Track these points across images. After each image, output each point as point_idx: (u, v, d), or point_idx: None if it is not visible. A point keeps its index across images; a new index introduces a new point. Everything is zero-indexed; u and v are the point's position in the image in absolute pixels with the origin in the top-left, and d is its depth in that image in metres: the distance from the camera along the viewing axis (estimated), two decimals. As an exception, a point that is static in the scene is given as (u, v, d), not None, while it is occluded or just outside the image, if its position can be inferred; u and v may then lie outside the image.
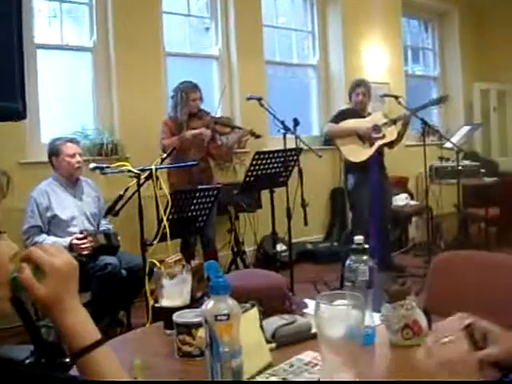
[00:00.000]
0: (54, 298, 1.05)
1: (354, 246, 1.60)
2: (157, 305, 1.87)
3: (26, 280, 1.03)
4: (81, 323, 1.07)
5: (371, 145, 5.41)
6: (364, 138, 5.41)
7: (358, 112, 5.59)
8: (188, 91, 4.87)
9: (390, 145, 5.58)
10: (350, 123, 5.48)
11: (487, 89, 9.14)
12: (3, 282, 1.01)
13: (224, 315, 1.20)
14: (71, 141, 4.19)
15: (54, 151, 4.13)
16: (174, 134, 4.83)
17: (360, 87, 5.59)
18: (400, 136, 5.54)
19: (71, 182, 4.18)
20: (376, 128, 5.41)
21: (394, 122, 5.48)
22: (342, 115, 5.60)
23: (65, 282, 1.08)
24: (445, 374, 1.04)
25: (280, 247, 5.54)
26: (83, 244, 3.82)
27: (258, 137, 4.89)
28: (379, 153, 5.52)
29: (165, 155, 3.53)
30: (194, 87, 4.94)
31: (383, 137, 5.43)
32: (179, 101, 4.87)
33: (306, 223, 4.19)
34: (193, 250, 4.81)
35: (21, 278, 1.03)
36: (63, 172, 4.12)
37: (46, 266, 1.05)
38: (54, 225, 3.99)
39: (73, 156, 4.09)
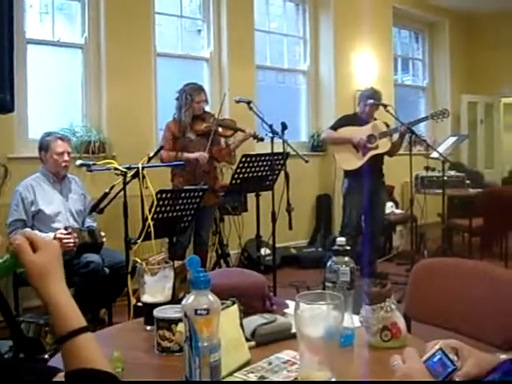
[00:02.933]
0: (46, 267, 1.09)
1: (335, 248, 1.61)
2: (139, 304, 1.87)
3: (20, 245, 1.08)
4: (71, 306, 1.09)
5: (363, 154, 5.46)
6: (358, 147, 5.46)
7: (362, 119, 5.63)
8: (192, 93, 4.86)
9: (388, 153, 5.64)
10: (347, 131, 5.54)
11: (475, 101, 9.24)
12: None
13: (204, 310, 1.21)
14: (62, 138, 4.17)
15: (43, 146, 4.13)
16: (176, 138, 4.83)
17: (371, 100, 5.61)
18: (397, 146, 5.60)
19: (58, 178, 4.17)
20: (371, 138, 5.46)
21: (388, 133, 5.52)
22: (343, 121, 5.67)
23: (54, 259, 1.11)
24: None
25: (264, 251, 5.54)
26: (67, 239, 3.80)
27: (260, 140, 4.88)
28: (377, 161, 5.59)
29: (152, 154, 3.53)
30: (199, 89, 4.94)
31: (376, 147, 5.47)
32: (183, 103, 4.86)
33: (290, 228, 4.20)
34: (184, 250, 4.79)
35: (16, 244, 1.07)
36: (50, 168, 4.12)
37: (39, 241, 1.10)
38: (38, 220, 3.98)
39: (61, 154, 4.08)
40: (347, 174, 5.64)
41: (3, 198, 3.93)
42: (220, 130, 4.93)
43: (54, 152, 4.07)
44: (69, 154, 4.15)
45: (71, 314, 1.08)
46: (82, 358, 1.03)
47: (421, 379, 1.04)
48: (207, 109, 5.14)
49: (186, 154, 4.74)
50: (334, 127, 5.66)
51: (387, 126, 5.63)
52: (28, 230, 3.83)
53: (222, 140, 5.08)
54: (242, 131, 4.97)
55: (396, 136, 5.55)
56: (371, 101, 5.58)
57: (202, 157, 4.72)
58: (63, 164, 4.11)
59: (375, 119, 5.69)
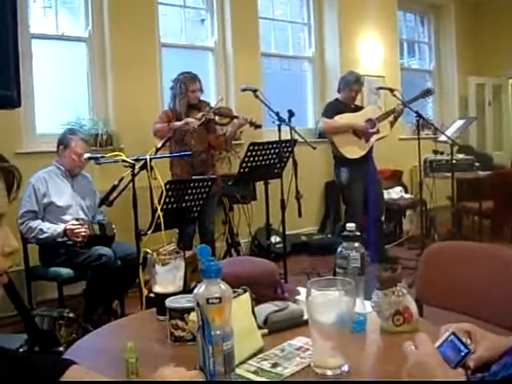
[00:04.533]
0: None
1: (345, 233, 1.61)
2: (151, 294, 1.88)
3: None
4: None
5: (367, 140, 5.42)
6: (360, 133, 5.42)
7: (347, 105, 5.60)
8: (187, 82, 4.84)
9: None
10: (345, 118, 5.47)
11: (482, 83, 9.17)
12: None
13: (216, 298, 1.22)
14: (85, 140, 4.22)
15: (64, 142, 4.16)
16: None
17: (357, 84, 5.58)
18: (390, 127, 5.58)
19: (71, 174, 4.21)
20: (371, 123, 5.42)
21: (386, 115, 5.50)
22: (335, 108, 5.57)
23: None
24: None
25: (274, 239, 5.56)
26: (78, 229, 3.83)
27: (258, 127, 4.84)
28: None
29: (159, 145, 3.53)
30: (193, 78, 4.90)
31: (378, 132, 5.44)
32: (178, 92, 4.85)
33: (300, 215, 4.19)
34: (191, 240, 4.80)
35: None
36: (65, 164, 4.16)
37: None
38: (48, 212, 4.00)
39: (79, 155, 4.10)
40: (345, 162, 5.50)
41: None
42: (216, 118, 4.90)
43: (73, 151, 4.10)
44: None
45: None
46: None
47: (434, 364, 1.04)
48: (203, 98, 5.10)
49: (176, 123, 4.69)
50: (329, 116, 5.52)
51: (379, 110, 5.60)
52: (35, 227, 3.86)
53: (219, 128, 5.03)
54: (238, 118, 4.94)
55: (391, 117, 5.52)
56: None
57: (190, 121, 4.65)
58: (79, 164, 4.17)
59: (356, 106, 5.66)
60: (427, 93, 5.64)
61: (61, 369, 1.10)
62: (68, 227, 3.84)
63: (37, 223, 3.90)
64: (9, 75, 1.97)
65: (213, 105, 5.03)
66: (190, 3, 6.30)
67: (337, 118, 5.47)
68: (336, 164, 5.65)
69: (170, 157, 4.54)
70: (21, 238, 3.92)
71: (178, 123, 4.70)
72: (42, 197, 3.99)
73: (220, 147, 5.12)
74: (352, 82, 5.58)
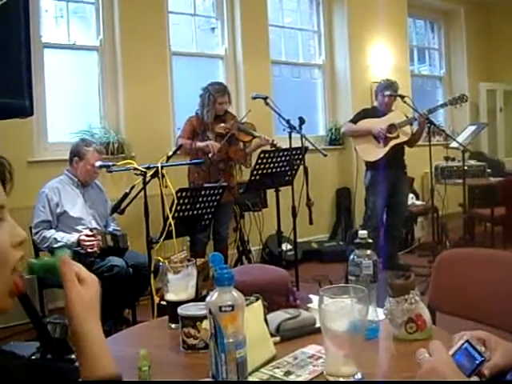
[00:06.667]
0: (91, 303, 1.04)
1: (358, 241, 1.61)
2: (162, 302, 1.88)
3: (68, 274, 1.05)
4: (106, 350, 1.04)
5: (385, 144, 5.45)
6: (378, 137, 5.45)
7: (381, 111, 5.64)
8: (216, 95, 4.90)
9: (408, 143, 5.62)
10: (366, 123, 5.55)
11: (493, 89, 9.13)
12: (5, 274, 0.97)
13: (228, 306, 1.21)
14: (99, 152, 4.21)
15: (78, 153, 4.15)
16: (195, 133, 4.90)
17: (389, 90, 5.62)
18: (417, 135, 5.58)
19: (83, 184, 4.21)
20: (392, 128, 5.44)
21: (408, 121, 5.50)
22: (362, 114, 5.68)
23: (96, 297, 1.07)
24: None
25: (285, 246, 5.54)
26: (91, 241, 3.83)
27: (278, 148, 4.84)
28: (397, 152, 5.57)
29: (170, 153, 3.54)
30: (223, 91, 4.96)
31: (397, 137, 5.46)
32: (206, 102, 4.91)
33: (311, 222, 4.19)
34: (204, 248, 4.81)
35: (63, 272, 1.04)
36: (79, 175, 4.16)
37: (86, 275, 1.08)
38: (61, 221, 4.01)
39: (94, 166, 4.10)
40: (370, 166, 5.63)
41: (22, 200, 3.98)
42: (240, 134, 4.94)
43: (88, 163, 4.10)
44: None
45: (105, 359, 1.02)
46: None
47: (448, 372, 1.03)
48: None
49: (198, 143, 4.80)
50: (354, 120, 5.68)
51: (406, 116, 5.61)
52: (49, 237, 3.88)
53: (241, 142, 5.08)
54: (260, 138, 4.94)
55: (416, 126, 5.53)
56: (388, 92, 5.56)
57: (212, 144, 4.74)
58: (94, 175, 4.19)
59: (392, 110, 5.68)
60: (459, 99, 5.63)
61: (74, 375, 1.10)
62: (81, 238, 3.85)
63: (51, 233, 3.91)
64: (21, 84, 1.99)
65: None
66: (200, 12, 6.33)
67: (360, 123, 5.59)
68: (365, 166, 5.77)
69: (181, 165, 4.54)
70: (33, 246, 3.94)
71: (200, 144, 4.78)
72: (55, 206, 4.00)
73: (238, 161, 5.15)
74: (383, 88, 5.68)
